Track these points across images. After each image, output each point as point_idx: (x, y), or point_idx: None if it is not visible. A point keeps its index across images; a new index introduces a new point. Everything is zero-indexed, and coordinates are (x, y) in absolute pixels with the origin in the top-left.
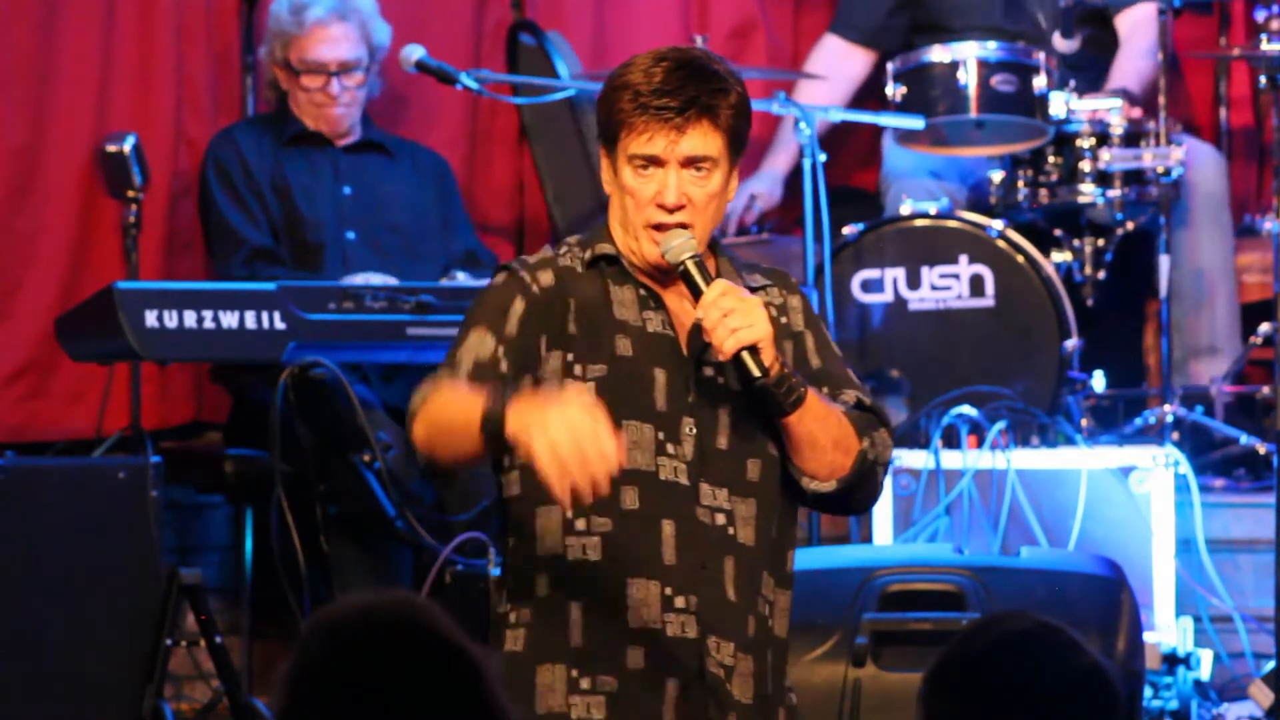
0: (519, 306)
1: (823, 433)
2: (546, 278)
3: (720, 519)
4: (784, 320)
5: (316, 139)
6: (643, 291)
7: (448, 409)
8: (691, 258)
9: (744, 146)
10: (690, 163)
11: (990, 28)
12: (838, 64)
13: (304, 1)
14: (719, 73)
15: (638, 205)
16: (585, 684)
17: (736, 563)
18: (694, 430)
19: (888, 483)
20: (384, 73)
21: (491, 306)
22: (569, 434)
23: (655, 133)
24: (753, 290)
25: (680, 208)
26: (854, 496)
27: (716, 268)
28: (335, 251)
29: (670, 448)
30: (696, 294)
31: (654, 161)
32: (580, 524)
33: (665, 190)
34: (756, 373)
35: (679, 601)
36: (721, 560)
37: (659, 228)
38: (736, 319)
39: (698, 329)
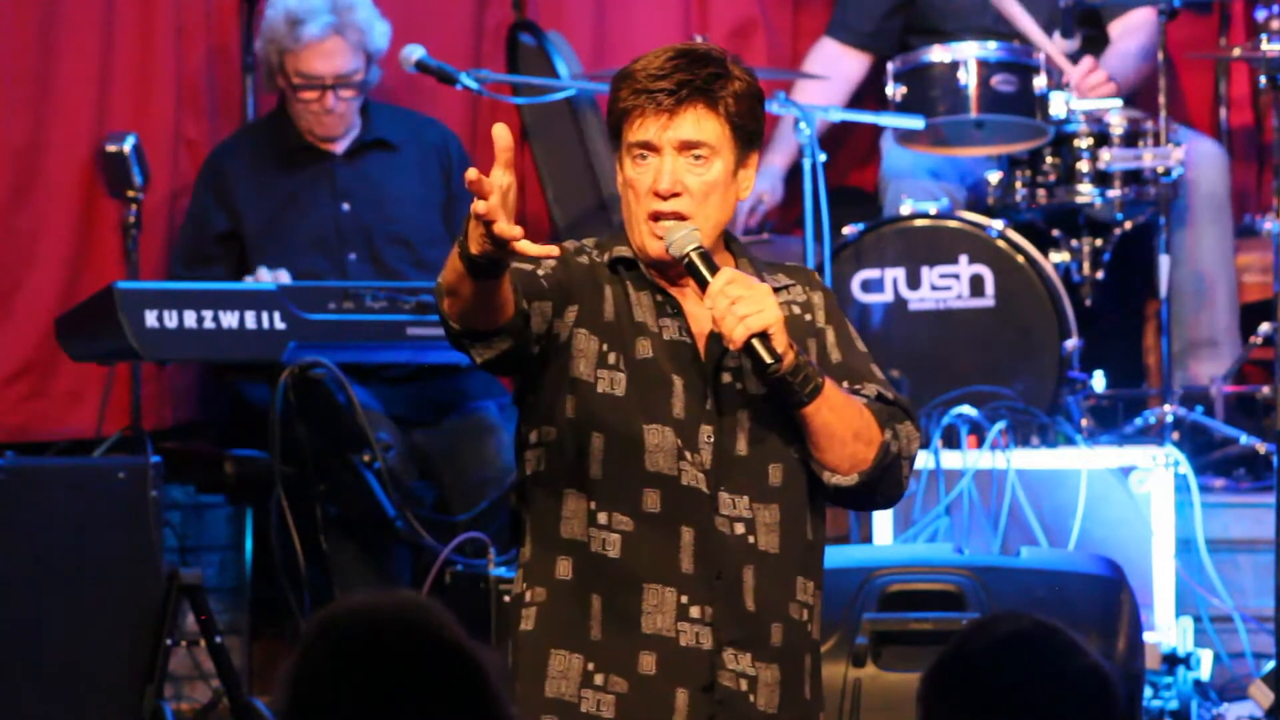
0: (552, 262)
1: (841, 424)
2: (582, 259)
3: (740, 528)
4: (808, 318)
5: (314, 151)
6: (659, 297)
7: (446, 269)
8: (695, 249)
9: (755, 141)
10: (686, 148)
11: (984, 30)
12: (834, 67)
13: (300, 15)
14: (721, 60)
15: (637, 196)
16: (599, 680)
17: (757, 572)
18: (712, 438)
19: None
20: (383, 65)
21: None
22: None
23: (649, 118)
24: (775, 290)
25: (675, 195)
26: (877, 490)
27: (735, 267)
28: (335, 273)
29: (689, 455)
30: (703, 285)
31: (649, 148)
32: (603, 517)
33: (660, 176)
34: (768, 359)
35: (694, 611)
36: (740, 570)
37: (658, 218)
38: (744, 305)
39: (716, 335)
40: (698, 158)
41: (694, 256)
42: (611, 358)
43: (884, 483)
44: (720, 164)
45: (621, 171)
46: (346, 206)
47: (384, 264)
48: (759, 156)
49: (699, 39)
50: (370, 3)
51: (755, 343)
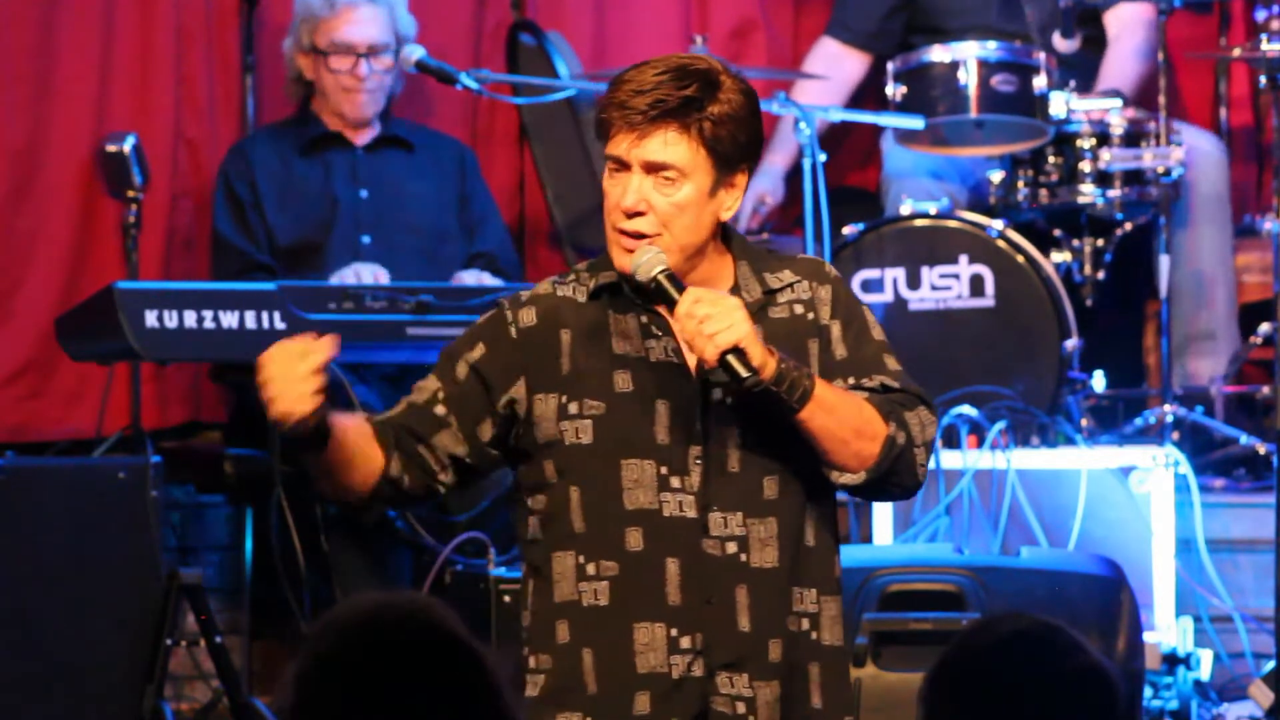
0: (477, 353)
1: (840, 424)
2: (529, 316)
3: (732, 547)
4: (810, 316)
5: (335, 139)
6: (644, 319)
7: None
8: (662, 271)
9: (740, 161)
10: (652, 169)
11: (985, 28)
12: (834, 66)
13: None
14: (710, 79)
15: (608, 209)
16: None
17: (751, 590)
18: (700, 459)
19: None
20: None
21: (460, 344)
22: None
23: (622, 133)
24: (771, 292)
25: (639, 214)
26: (890, 481)
27: (735, 272)
28: (347, 256)
29: (675, 481)
30: (672, 307)
31: (621, 164)
32: (591, 568)
33: (626, 193)
34: (744, 373)
35: (684, 642)
36: (732, 591)
37: (622, 234)
38: (712, 324)
39: None
40: (666, 179)
41: (661, 279)
42: (573, 408)
43: (896, 474)
44: (691, 186)
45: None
46: (365, 193)
47: (396, 250)
48: (752, 167)
49: (699, 39)
50: None
51: (730, 359)
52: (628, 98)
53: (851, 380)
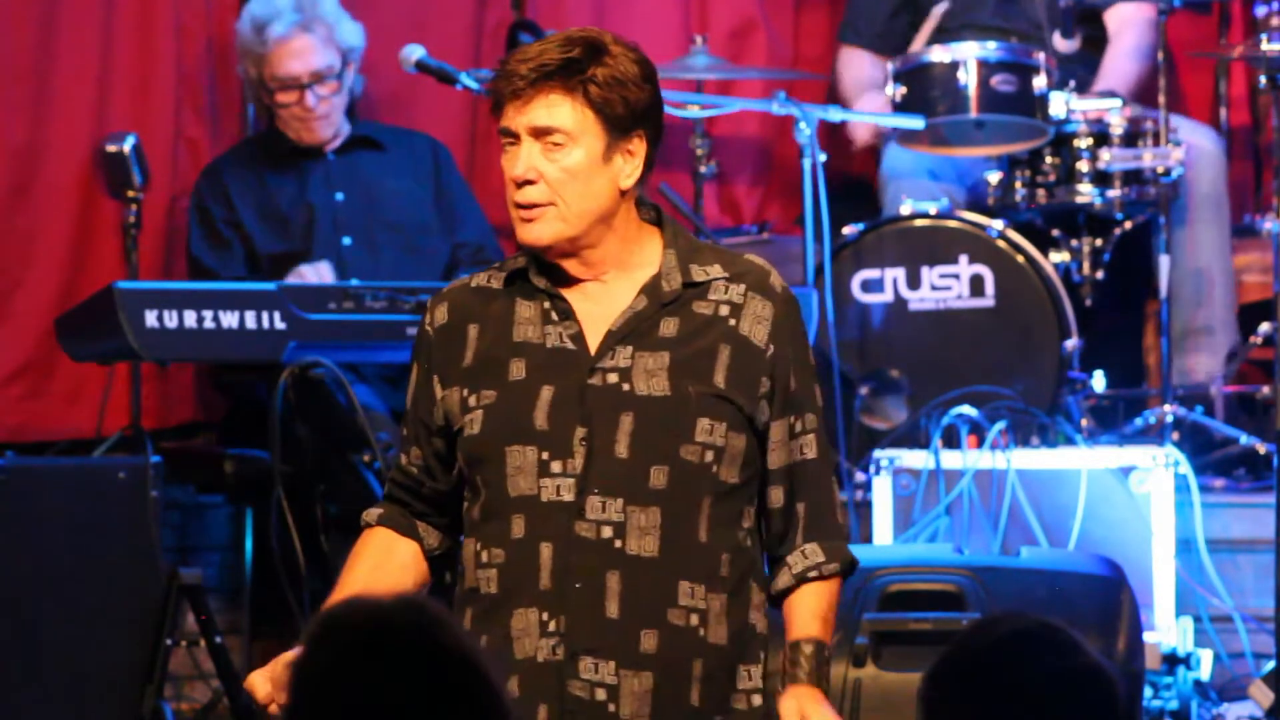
0: (414, 374)
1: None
2: (441, 314)
3: (607, 531)
4: (732, 322)
5: (306, 151)
6: (546, 304)
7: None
8: None
9: (634, 125)
10: (539, 134)
11: (985, 27)
12: (862, 69)
13: (265, 19)
14: (591, 45)
15: (507, 187)
16: None
17: (624, 576)
18: (584, 440)
19: (888, 483)
20: (375, 71)
21: (411, 374)
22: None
23: (508, 102)
24: (693, 284)
25: (530, 183)
26: None
27: (661, 258)
28: (330, 260)
29: (556, 465)
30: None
31: (511, 135)
32: (484, 555)
33: (515, 162)
34: None
35: (551, 625)
36: (602, 576)
37: (520, 206)
38: None
39: (611, 333)
40: (554, 144)
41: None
42: (471, 400)
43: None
44: (580, 151)
45: None
46: (341, 195)
47: (379, 248)
48: (652, 136)
49: (699, 39)
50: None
51: None
52: (513, 67)
53: (792, 418)
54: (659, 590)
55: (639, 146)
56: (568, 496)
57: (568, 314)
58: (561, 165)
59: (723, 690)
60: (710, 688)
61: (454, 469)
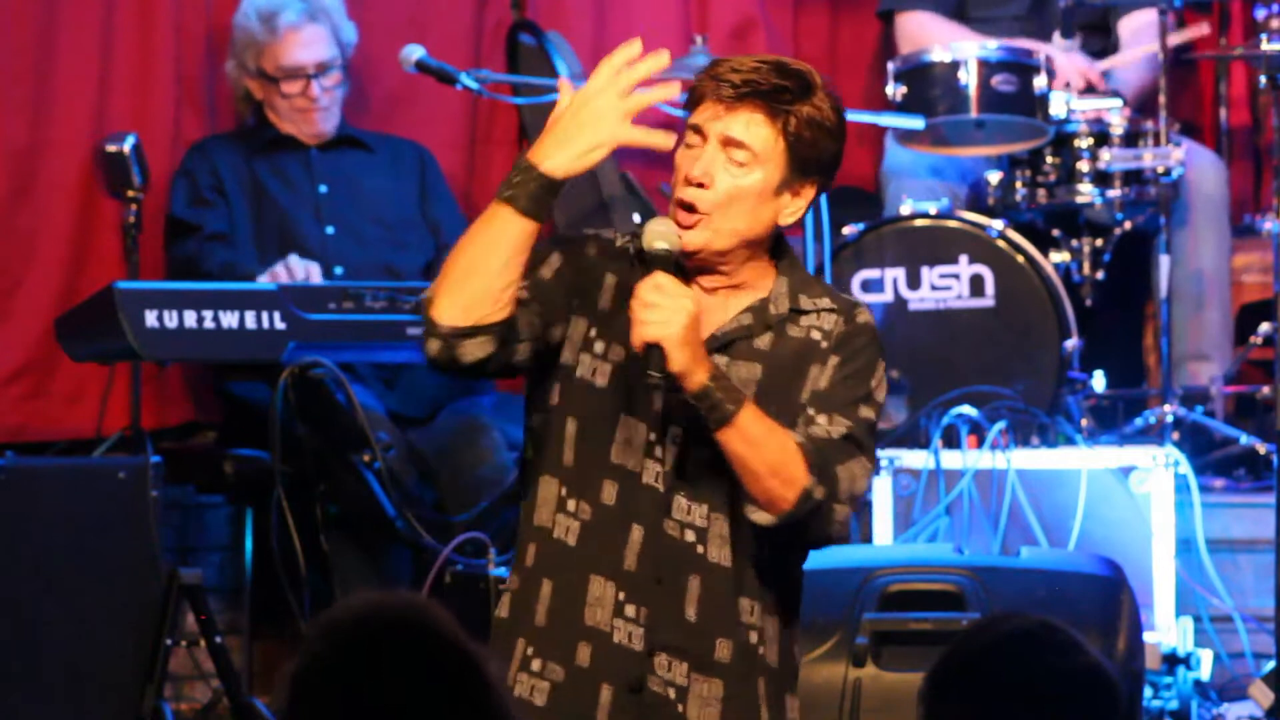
0: (556, 260)
1: (757, 458)
2: (592, 250)
3: (690, 535)
4: (824, 345)
5: (291, 142)
6: None
7: (461, 247)
8: (663, 247)
9: (815, 171)
10: (729, 144)
11: (1014, 18)
12: (937, 25)
13: (273, 9)
14: (808, 84)
15: (675, 181)
16: (536, 665)
17: (704, 582)
18: (679, 438)
19: (888, 483)
20: (375, 71)
21: (537, 252)
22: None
23: (708, 103)
24: (799, 311)
25: (701, 185)
26: (800, 533)
27: (774, 281)
28: (314, 246)
29: (659, 451)
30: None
31: (700, 133)
32: (571, 504)
33: (696, 163)
34: (654, 373)
35: (629, 610)
36: (685, 577)
37: (681, 204)
38: (651, 313)
39: (712, 337)
40: (738, 161)
41: (657, 251)
42: (599, 346)
43: (809, 527)
44: (760, 175)
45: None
46: (324, 188)
47: (363, 239)
48: (824, 186)
49: (699, 39)
50: None
51: (650, 351)
52: (724, 72)
53: (812, 411)
54: (729, 601)
55: (808, 192)
56: (661, 487)
57: None
58: (737, 181)
59: (779, 715)
60: (774, 713)
61: (523, 341)
